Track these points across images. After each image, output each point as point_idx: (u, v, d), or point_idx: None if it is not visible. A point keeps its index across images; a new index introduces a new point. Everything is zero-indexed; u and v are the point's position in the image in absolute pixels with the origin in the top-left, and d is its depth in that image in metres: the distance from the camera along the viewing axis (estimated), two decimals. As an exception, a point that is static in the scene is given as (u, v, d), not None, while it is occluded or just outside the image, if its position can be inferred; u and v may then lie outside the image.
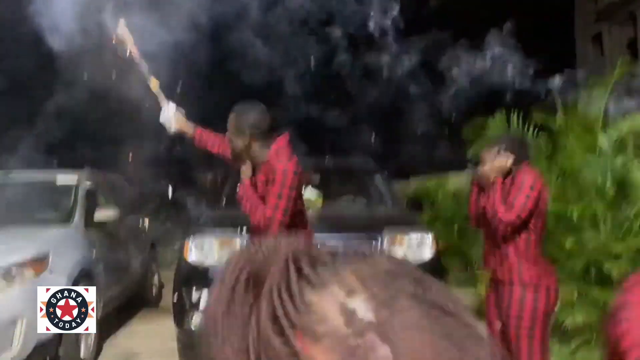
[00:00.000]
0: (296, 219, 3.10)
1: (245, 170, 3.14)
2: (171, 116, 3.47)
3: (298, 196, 3.10)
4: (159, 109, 3.52)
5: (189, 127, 3.50)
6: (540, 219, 3.22)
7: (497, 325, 3.28)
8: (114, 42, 3.50)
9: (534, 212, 3.14)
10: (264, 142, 3.09)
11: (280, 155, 3.03)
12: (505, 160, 3.23)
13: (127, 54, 3.50)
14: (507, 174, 3.23)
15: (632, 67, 5.54)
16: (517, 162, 3.23)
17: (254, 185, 3.12)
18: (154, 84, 3.54)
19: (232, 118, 3.13)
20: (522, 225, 3.14)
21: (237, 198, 3.17)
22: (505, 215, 3.09)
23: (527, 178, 3.15)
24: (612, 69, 5.62)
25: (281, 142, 3.12)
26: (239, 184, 3.16)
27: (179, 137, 3.63)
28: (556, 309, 3.32)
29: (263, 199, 3.04)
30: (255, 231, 3.20)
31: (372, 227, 4.64)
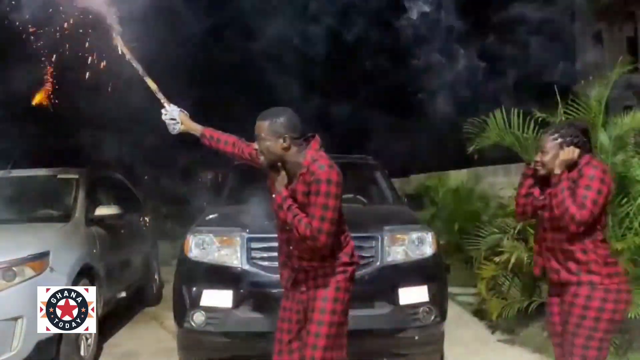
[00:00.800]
0: (339, 226, 2.99)
1: (281, 179, 2.97)
2: (175, 116, 3.35)
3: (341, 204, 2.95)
4: (159, 106, 3.45)
5: (195, 127, 3.35)
6: (605, 215, 3.06)
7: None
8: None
9: (603, 208, 2.98)
10: (299, 147, 2.93)
11: (320, 162, 2.86)
12: (572, 153, 3.02)
13: (121, 53, 3.45)
14: (572, 166, 3.03)
15: (632, 65, 5.53)
16: (582, 153, 3.04)
17: (291, 195, 2.93)
18: (152, 83, 3.46)
19: (263, 124, 2.92)
20: (591, 223, 2.95)
21: (272, 209, 3.01)
22: (579, 213, 2.88)
23: (597, 172, 2.96)
24: (612, 67, 5.61)
25: (315, 146, 2.96)
26: (273, 195, 2.98)
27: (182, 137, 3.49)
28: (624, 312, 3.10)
29: (302, 209, 2.89)
30: (291, 242, 3.03)
31: (372, 225, 4.62)
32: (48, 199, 5.84)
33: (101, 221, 5.71)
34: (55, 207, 5.68)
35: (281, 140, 2.90)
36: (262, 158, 2.98)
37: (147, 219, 7.69)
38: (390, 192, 5.86)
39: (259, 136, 2.94)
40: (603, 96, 5.46)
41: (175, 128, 3.37)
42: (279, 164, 2.98)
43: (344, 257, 3.04)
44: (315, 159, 2.88)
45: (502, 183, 9.21)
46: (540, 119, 5.67)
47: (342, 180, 2.89)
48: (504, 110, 5.87)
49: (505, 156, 7.10)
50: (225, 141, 3.29)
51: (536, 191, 3.18)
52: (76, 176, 5.91)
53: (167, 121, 3.39)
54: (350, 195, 5.66)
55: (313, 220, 2.82)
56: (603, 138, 5.31)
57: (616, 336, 4.78)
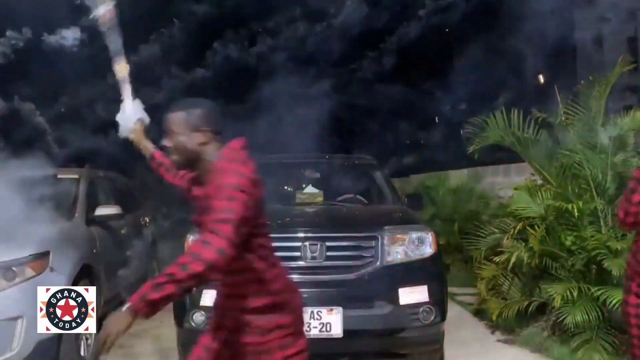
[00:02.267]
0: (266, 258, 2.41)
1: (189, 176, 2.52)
2: (130, 118, 3.00)
3: (259, 216, 2.33)
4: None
5: (146, 145, 3.00)
6: None
7: None
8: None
9: None
10: (218, 144, 2.41)
11: (228, 161, 2.32)
12: None
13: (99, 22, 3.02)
14: None
15: (632, 65, 5.53)
16: None
17: (205, 200, 2.32)
18: (122, 68, 3.04)
19: (176, 116, 2.42)
20: None
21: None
22: None
23: None
24: (612, 66, 5.61)
25: (236, 145, 2.40)
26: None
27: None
28: None
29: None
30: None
31: (372, 225, 4.63)
32: (48, 199, 5.84)
33: (101, 221, 5.71)
34: (56, 206, 5.67)
35: (198, 135, 2.40)
36: (172, 157, 2.47)
37: (147, 218, 7.69)
38: (390, 192, 5.86)
39: (171, 130, 2.43)
40: (603, 95, 5.46)
41: (124, 133, 3.02)
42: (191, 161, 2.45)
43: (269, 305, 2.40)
44: (229, 157, 2.34)
45: (502, 183, 9.21)
46: (540, 118, 5.68)
47: (254, 187, 2.25)
48: (504, 110, 5.87)
49: (505, 156, 7.11)
50: (168, 168, 2.93)
51: None
52: (76, 176, 5.92)
53: (120, 122, 3.05)
54: (350, 195, 5.67)
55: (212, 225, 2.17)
56: (603, 138, 5.31)
57: (615, 336, 4.79)
